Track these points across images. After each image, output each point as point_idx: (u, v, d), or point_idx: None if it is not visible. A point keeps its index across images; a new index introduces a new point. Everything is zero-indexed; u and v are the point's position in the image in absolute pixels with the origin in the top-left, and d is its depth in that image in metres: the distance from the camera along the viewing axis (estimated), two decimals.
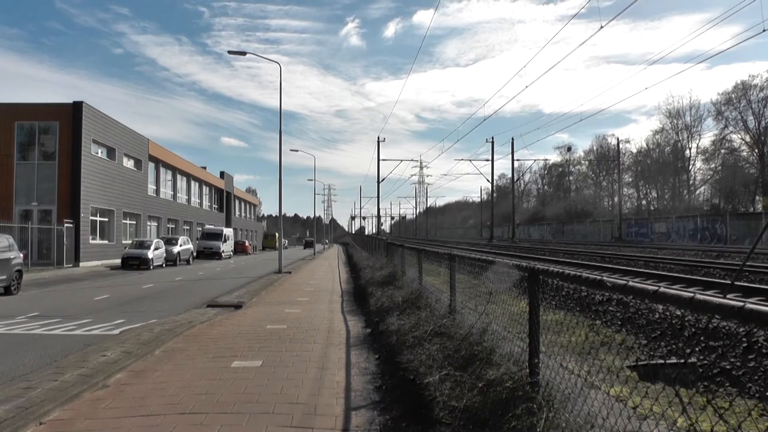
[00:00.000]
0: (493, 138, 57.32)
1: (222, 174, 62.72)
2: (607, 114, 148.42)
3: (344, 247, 66.15)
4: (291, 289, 16.13)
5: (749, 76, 63.25)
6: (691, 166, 64.66)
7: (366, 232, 64.41)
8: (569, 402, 3.06)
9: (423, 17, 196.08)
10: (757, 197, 52.80)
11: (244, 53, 26.48)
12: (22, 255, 16.82)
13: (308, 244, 55.46)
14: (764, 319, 1.63)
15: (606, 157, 74.53)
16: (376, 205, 59.68)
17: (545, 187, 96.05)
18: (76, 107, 29.83)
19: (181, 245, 34.31)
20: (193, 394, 5.07)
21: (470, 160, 61.28)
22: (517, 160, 63.07)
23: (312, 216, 68.68)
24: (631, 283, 2.40)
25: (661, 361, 4.66)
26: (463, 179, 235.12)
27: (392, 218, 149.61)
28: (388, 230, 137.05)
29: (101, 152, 32.68)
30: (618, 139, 64.53)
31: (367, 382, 5.55)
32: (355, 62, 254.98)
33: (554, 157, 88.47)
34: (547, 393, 3.26)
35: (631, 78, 62.37)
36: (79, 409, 4.73)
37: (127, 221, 36.58)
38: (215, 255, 42.38)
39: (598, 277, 2.72)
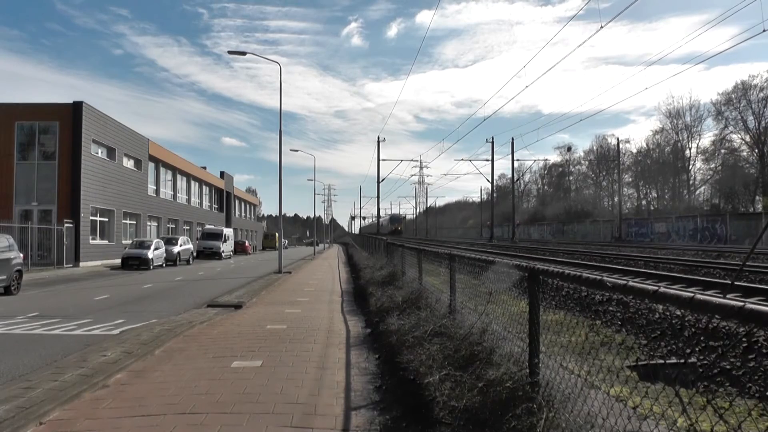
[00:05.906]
0: (493, 138, 57.27)
1: (222, 174, 62.75)
2: (606, 114, 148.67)
3: (344, 247, 66.14)
4: (291, 289, 16.13)
5: (749, 76, 63.22)
6: (691, 166, 64.75)
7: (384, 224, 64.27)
8: (569, 402, 3.06)
9: (426, 17, 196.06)
10: (757, 197, 52.80)
11: (243, 53, 26.54)
12: (21, 255, 16.82)
13: (315, 243, 57.59)
14: (764, 319, 1.63)
15: (606, 157, 74.53)
16: (376, 205, 59.69)
17: (545, 187, 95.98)
18: (76, 107, 29.84)
19: (181, 245, 34.32)
20: (193, 394, 5.07)
21: (470, 160, 61.29)
22: (517, 160, 63.01)
23: (312, 216, 68.83)
24: (631, 283, 2.39)
25: (661, 361, 4.66)
26: (463, 179, 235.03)
27: None
28: None
29: (101, 152, 32.68)
30: (618, 139, 64.58)
31: (367, 382, 5.55)
32: (354, 63, 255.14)
33: (554, 157, 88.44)
34: (547, 393, 3.25)
35: (630, 79, 62.18)
36: (79, 409, 4.73)
37: (127, 221, 36.58)
38: (215, 255, 42.37)
39: (598, 277, 2.72)
